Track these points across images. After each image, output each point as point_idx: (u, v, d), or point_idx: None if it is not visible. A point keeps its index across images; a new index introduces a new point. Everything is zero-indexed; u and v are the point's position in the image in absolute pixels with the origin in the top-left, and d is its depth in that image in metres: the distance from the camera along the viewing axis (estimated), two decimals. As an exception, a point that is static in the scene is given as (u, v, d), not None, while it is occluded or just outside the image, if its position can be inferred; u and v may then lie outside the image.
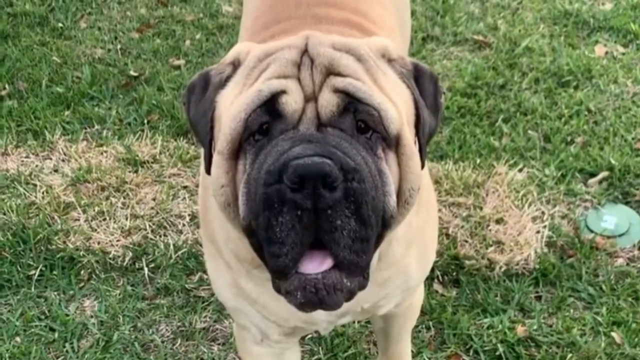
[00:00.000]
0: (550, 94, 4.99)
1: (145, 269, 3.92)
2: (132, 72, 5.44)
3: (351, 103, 1.91)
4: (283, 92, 1.91)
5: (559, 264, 3.82)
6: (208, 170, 2.05)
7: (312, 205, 1.80)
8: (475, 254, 3.87)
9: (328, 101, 1.90)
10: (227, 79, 2.07)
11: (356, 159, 1.85)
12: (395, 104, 1.96)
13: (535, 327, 3.54)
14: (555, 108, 4.86)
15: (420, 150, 2.04)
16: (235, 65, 2.07)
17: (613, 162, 4.37)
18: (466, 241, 3.95)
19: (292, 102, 1.90)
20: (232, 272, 2.38)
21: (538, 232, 4.00)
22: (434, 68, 5.29)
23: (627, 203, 4.20)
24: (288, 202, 1.81)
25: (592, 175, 4.35)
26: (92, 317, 3.73)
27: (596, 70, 5.19)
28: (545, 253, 3.89)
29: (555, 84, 5.07)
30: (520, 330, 3.52)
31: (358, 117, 1.91)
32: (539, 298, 3.71)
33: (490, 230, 3.99)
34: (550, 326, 3.56)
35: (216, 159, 1.99)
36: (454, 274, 3.81)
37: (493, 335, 3.50)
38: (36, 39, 5.93)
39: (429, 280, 3.73)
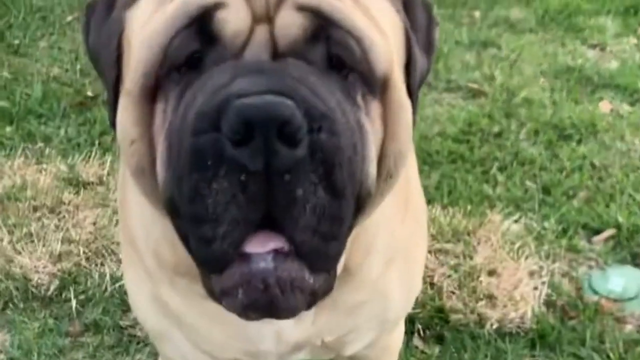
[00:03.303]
0: (551, 145, 4.54)
1: (73, 300, 3.34)
2: (89, 93, 5.01)
3: (323, 27, 1.34)
4: (220, 5, 1.34)
5: (559, 325, 3.30)
6: (113, 122, 1.48)
7: (263, 166, 1.24)
8: (463, 308, 3.35)
9: (290, 22, 1.34)
10: None
11: (329, 102, 1.29)
12: (385, 34, 1.41)
13: (531, 395, 3.01)
14: (555, 160, 4.40)
15: (412, 101, 1.48)
16: None
17: (620, 220, 3.88)
18: (453, 292, 3.43)
19: (232, 19, 1.34)
20: (153, 281, 1.80)
21: (536, 288, 3.48)
22: (424, 112, 4.85)
23: (636, 265, 3.70)
24: (227, 160, 1.24)
25: (597, 232, 3.86)
26: (0, 352, 3.15)
27: (601, 125, 4.74)
28: (544, 312, 3.37)
29: (557, 137, 4.62)
30: (513, 398, 2.99)
31: (332, 49, 1.35)
32: (535, 362, 3.20)
33: (481, 282, 3.48)
34: (549, 396, 3.03)
35: (124, 103, 1.42)
36: (438, 328, 3.29)
37: (481, 402, 2.96)
38: (-12, 52, 5.56)
39: (409, 334, 3.18)
